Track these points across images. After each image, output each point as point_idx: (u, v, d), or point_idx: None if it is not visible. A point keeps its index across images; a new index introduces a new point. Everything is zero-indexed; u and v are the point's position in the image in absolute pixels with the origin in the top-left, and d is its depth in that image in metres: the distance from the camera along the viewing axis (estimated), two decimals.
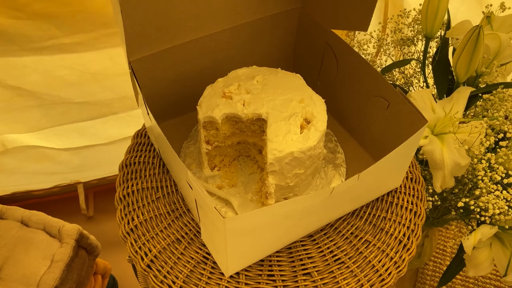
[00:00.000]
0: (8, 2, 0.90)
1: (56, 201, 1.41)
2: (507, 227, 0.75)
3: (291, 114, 0.63)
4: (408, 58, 0.95)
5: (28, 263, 0.95)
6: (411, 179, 0.73)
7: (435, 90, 0.93)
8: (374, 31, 0.95)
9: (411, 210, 0.69)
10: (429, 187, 0.81)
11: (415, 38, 0.94)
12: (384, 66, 0.94)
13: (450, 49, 0.90)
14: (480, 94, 0.78)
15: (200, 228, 0.64)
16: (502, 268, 0.76)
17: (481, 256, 0.80)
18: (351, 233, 0.66)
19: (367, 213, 0.68)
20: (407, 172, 0.73)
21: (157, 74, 0.70)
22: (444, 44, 0.90)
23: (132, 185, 0.71)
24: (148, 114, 0.64)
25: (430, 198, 0.79)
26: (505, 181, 0.69)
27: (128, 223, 0.67)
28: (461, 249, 0.82)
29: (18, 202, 1.32)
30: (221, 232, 0.51)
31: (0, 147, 1.13)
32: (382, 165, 0.56)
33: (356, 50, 0.96)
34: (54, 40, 0.95)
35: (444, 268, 1.25)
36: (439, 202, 0.83)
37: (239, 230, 0.50)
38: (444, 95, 0.91)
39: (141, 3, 0.61)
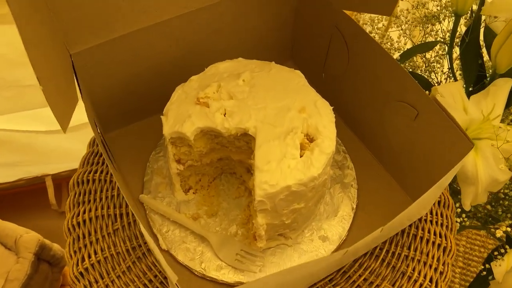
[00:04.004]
0: None
1: (24, 192, 1.25)
2: None
3: (288, 130, 0.46)
4: (431, 39, 0.78)
5: None
6: (439, 202, 0.58)
7: (461, 76, 0.77)
8: None
9: (439, 245, 0.54)
10: (456, 204, 0.66)
11: (441, 15, 0.76)
12: (402, 50, 0.76)
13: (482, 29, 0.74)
14: None
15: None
16: None
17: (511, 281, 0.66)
18: (364, 280, 0.51)
19: (384, 250, 0.53)
20: None
21: (111, 68, 0.53)
22: (476, 23, 0.73)
23: (85, 212, 0.56)
24: (95, 125, 0.47)
25: (458, 219, 0.65)
26: None
27: (78, 263, 0.52)
28: (487, 270, 0.68)
29: None
30: None
31: None
32: (411, 210, 0.41)
33: (368, 28, 0.78)
34: None
35: (467, 277, 1.12)
36: (467, 223, 0.68)
37: None
38: (471, 85, 0.75)
39: None
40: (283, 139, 0.45)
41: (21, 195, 1.25)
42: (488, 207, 0.67)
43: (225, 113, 0.48)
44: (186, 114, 0.48)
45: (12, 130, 0.99)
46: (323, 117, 0.48)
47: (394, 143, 0.55)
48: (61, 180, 1.27)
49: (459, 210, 0.66)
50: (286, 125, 0.47)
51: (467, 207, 0.61)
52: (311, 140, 0.47)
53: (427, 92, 0.64)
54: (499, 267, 0.61)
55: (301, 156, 0.45)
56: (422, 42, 0.77)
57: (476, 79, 0.74)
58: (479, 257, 1.09)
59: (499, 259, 0.60)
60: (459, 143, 0.46)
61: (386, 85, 0.53)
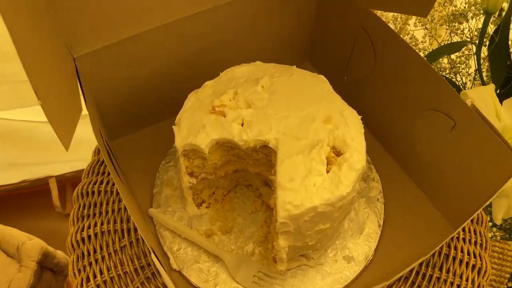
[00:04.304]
0: None
1: (27, 194, 1.22)
2: None
3: (313, 143, 0.42)
4: (457, 38, 0.73)
5: None
6: (472, 219, 0.53)
7: (487, 78, 0.72)
8: None
9: (473, 266, 0.49)
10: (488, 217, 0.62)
11: (469, 13, 0.71)
12: (428, 51, 0.71)
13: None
14: None
15: None
16: None
17: None
18: None
19: (414, 271, 0.49)
20: None
21: (118, 72, 0.49)
22: (506, 22, 0.68)
23: (90, 226, 0.52)
24: (100, 135, 0.43)
25: (489, 234, 0.60)
26: None
27: (83, 283, 0.48)
28: None
29: None
30: None
31: None
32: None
33: (392, 26, 0.73)
34: None
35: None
36: (499, 237, 0.64)
37: None
38: (499, 87, 0.70)
39: None
40: (308, 153, 0.41)
41: (24, 196, 1.22)
42: None
43: (243, 123, 0.44)
44: (200, 124, 0.44)
45: (13, 119, 0.94)
46: (350, 128, 0.43)
47: (425, 155, 0.50)
48: (65, 182, 1.23)
49: (490, 223, 0.61)
50: (310, 137, 0.42)
51: (498, 221, 0.56)
52: (338, 153, 0.42)
53: None
54: None
55: (327, 172, 0.41)
56: (448, 42, 0.72)
57: (504, 81, 0.69)
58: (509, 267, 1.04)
59: None
60: (502, 157, 0.41)
61: (418, 92, 0.48)
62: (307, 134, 0.42)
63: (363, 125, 0.44)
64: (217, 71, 0.48)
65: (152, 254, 0.33)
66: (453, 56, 0.74)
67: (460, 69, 0.74)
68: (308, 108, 0.44)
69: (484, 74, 0.73)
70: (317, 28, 0.60)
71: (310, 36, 0.61)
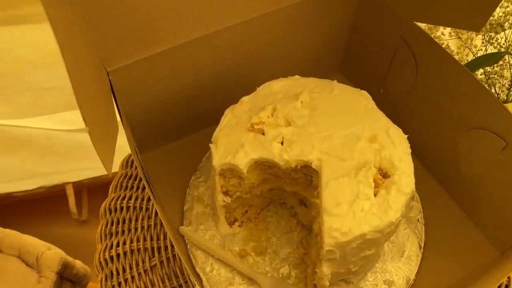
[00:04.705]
0: None
1: (44, 199, 1.21)
2: None
3: (360, 164, 0.40)
4: (493, 49, 0.70)
5: None
6: None
7: None
8: None
9: None
10: None
11: (506, 23, 0.69)
12: (463, 62, 0.69)
13: None
14: None
15: None
16: None
17: None
18: None
19: None
20: None
21: (150, 85, 0.47)
22: None
23: (118, 244, 0.50)
24: (135, 152, 0.41)
25: None
26: None
27: None
28: None
29: None
30: None
31: None
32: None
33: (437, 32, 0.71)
34: (9, 11, 0.70)
35: None
36: None
37: None
38: None
39: None
40: (354, 175, 0.39)
41: (41, 202, 1.21)
42: None
43: (283, 142, 0.42)
44: (239, 142, 0.42)
45: (33, 127, 0.94)
46: (398, 148, 0.41)
47: (468, 175, 0.48)
48: (81, 188, 1.22)
49: None
50: (356, 158, 0.40)
51: None
52: (385, 175, 0.40)
53: None
54: None
55: (375, 196, 0.39)
56: (483, 53, 0.70)
57: None
58: None
59: None
60: None
61: (463, 109, 0.46)
62: (352, 154, 0.40)
63: (409, 145, 0.42)
64: (251, 83, 0.46)
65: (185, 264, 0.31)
66: (487, 67, 0.71)
67: (496, 81, 0.71)
68: (352, 127, 0.42)
69: None
70: (353, 37, 0.57)
71: (345, 46, 0.59)
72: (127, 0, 0.39)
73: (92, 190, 1.25)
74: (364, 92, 0.46)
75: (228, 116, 0.44)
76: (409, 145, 0.42)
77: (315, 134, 0.42)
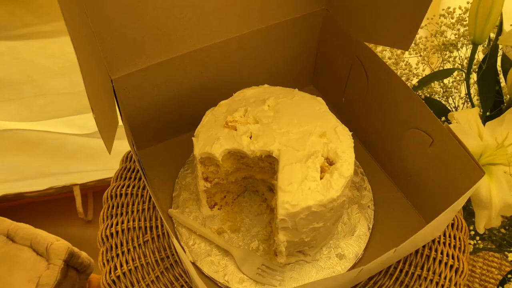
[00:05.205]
0: None
1: (53, 201, 1.31)
2: None
3: (310, 154, 0.50)
4: (449, 66, 0.80)
5: (12, 284, 0.86)
6: (452, 225, 0.60)
7: (478, 101, 0.79)
8: None
9: (451, 266, 0.56)
10: (470, 227, 0.68)
11: (459, 43, 0.79)
12: (421, 76, 0.79)
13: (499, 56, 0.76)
14: None
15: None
16: None
17: None
18: None
19: (398, 269, 0.56)
20: None
21: (147, 93, 0.58)
22: (493, 51, 0.75)
23: (118, 223, 0.60)
24: (133, 146, 0.52)
25: (471, 242, 0.67)
26: None
27: (111, 271, 0.56)
28: None
29: (9, 202, 1.23)
30: None
31: None
32: (423, 232, 0.44)
33: (387, 54, 0.81)
34: (30, 28, 0.83)
35: None
36: (481, 245, 0.70)
37: None
38: (489, 110, 0.77)
39: (124, 9, 0.48)
40: (305, 162, 0.49)
41: (50, 203, 1.31)
42: (503, 230, 0.69)
43: (251, 136, 0.52)
44: (215, 136, 0.52)
45: (45, 131, 1.05)
46: (342, 143, 0.51)
47: (410, 168, 0.58)
48: (87, 190, 1.32)
49: (472, 232, 0.68)
50: (307, 149, 0.50)
51: (481, 230, 0.63)
52: (330, 163, 0.50)
53: (443, 118, 0.67)
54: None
55: (321, 179, 0.49)
56: (440, 68, 0.80)
57: (494, 105, 0.76)
58: (496, 279, 1.10)
59: (511, 281, 0.61)
60: (471, 171, 0.48)
61: (403, 113, 0.56)
62: (305, 146, 0.50)
63: (353, 140, 0.52)
64: (231, 93, 0.57)
65: (174, 240, 0.41)
66: (446, 81, 0.82)
67: (453, 93, 0.81)
68: (306, 125, 0.52)
69: (475, 98, 0.80)
70: (319, 56, 0.68)
71: (313, 63, 0.70)
72: (128, 21, 0.50)
73: (97, 193, 1.35)
74: (319, 98, 0.56)
75: (208, 116, 0.55)
76: (353, 140, 0.52)
77: (276, 130, 0.52)
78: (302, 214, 0.47)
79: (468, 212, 0.71)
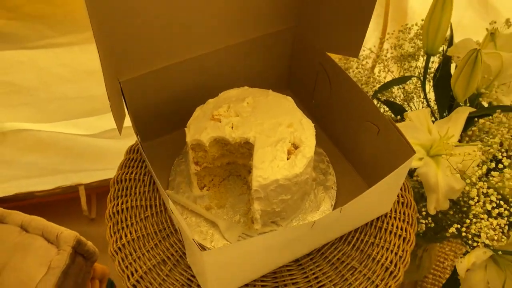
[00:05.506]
0: (0, 3, 0.92)
1: (59, 201, 1.42)
2: (500, 253, 0.74)
3: (279, 139, 0.62)
4: (409, 74, 0.93)
5: (26, 269, 0.96)
6: (402, 203, 0.72)
7: (436, 106, 0.91)
8: (374, 46, 0.94)
9: (400, 236, 0.68)
10: (423, 209, 0.80)
11: (416, 55, 0.92)
12: (383, 82, 0.92)
13: (453, 64, 0.89)
14: (476, 119, 0.77)
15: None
16: None
17: (475, 278, 0.78)
18: (338, 259, 0.65)
19: (355, 238, 0.68)
20: (398, 195, 0.72)
21: (149, 93, 0.70)
22: (446, 60, 0.88)
23: (123, 203, 0.72)
24: (137, 136, 0.64)
25: (424, 221, 0.78)
26: (495, 211, 0.67)
27: (117, 240, 0.67)
28: (456, 270, 0.81)
29: (20, 201, 1.34)
30: (200, 263, 0.51)
31: None
32: (366, 197, 0.56)
33: (355, 65, 0.95)
34: (48, 40, 0.96)
35: (443, 281, 1.24)
36: (432, 225, 0.82)
37: (218, 262, 0.50)
38: (446, 112, 0.89)
39: (131, 23, 0.61)
40: (275, 146, 0.61)
41: (56, 203, 1.41)
42: (451, 212, 0.81)
43: (233, 126, 0.65)
44: (203, 127, 0.64)
45: (56, 132, 1.18)
46: (306, 131, 0.64)
47: (364, 154, 0.70)
48: (91, 191, 1.43)
49: (424, 213, 0.79)
50: (277, 136, 0.63)
51: (432, 211, 0.74)
52: (296, 147, 0.63)
53: (392, 116, 0.80)
54: (461, 264, 0.74)
55: (288, 159, 0.61)
56: (400, 76, 0.93)
57: (450, 107, 0.89)
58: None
59: (462, 257, 0.72)
60: (405, 151, 0.61)
61: (357, 109, 0.69)
62: (275, 134, 0.63)
63: (315, 130, 0.65)
64: (217, 93, 0.70)
65: (170, 204, 0.53)
66: (407, 88, 0.95)
67: (414, 98, 0.94)
68: (277, 118, 0.65)
69: (433, 101, 0.92)
70: (292, 64, 0.81)
71: (288, 70, 0.82)
72: (134, 31, 0.62)
73: (100, 194, 1.46)
74: (289, 97, 0.69)
75: (198, 111, 0.67)
76: (315, 130, 0.65)
77: (253, 122, 0.65)
78: (272, 186, 0.59)
79: (422, 195, 0.83)
